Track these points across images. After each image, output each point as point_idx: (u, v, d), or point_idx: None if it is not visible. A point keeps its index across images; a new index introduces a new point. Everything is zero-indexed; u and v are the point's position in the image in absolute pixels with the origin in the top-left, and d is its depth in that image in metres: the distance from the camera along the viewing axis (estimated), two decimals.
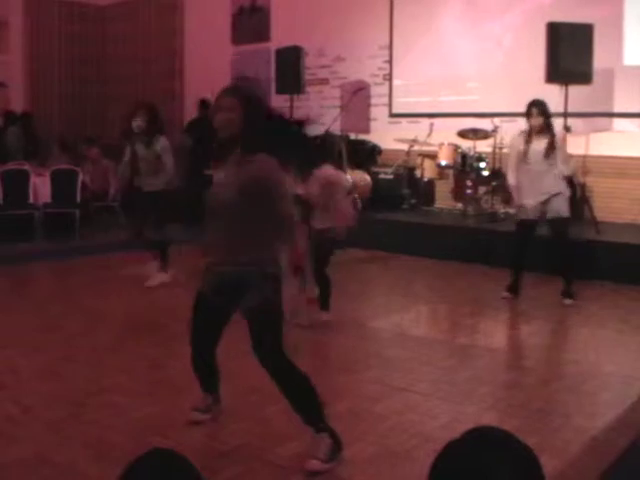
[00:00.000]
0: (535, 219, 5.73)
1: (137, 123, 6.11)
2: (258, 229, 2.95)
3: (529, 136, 5.66)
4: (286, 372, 2.95)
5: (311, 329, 4.82)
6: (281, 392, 2.97)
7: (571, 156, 5.88)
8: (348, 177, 5.14)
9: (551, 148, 5.58)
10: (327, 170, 5.02)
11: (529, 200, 5.69)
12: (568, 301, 5.71)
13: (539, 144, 5.62)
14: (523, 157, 5.67)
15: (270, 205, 2.92)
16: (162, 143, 6.11)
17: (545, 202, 5.65)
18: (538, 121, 5.62)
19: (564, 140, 5.75)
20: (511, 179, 5.86)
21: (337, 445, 2.92)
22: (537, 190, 5.64)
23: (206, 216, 3.08)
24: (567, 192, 5.75)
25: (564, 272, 5.80)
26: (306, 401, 2.98)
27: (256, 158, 2.92)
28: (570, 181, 7.45)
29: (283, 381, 2.96)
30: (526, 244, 5.79)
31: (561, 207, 5.66)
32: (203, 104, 10.17)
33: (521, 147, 5.70)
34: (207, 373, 3.28)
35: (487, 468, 1.15)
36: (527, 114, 5.67)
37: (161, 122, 6.30)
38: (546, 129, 5.63)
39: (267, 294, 2.92)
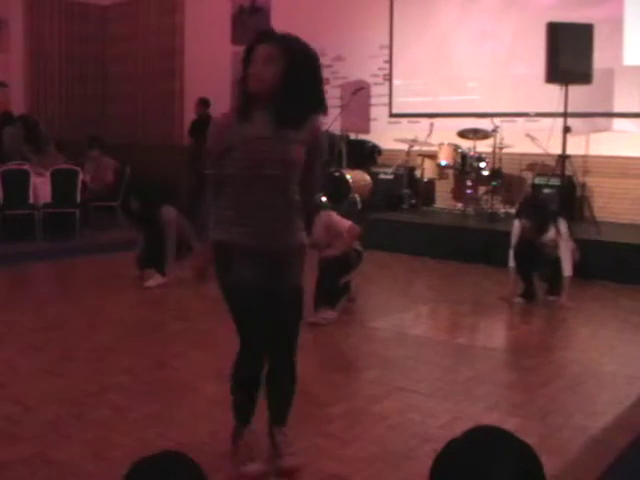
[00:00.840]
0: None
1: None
2: (296, 193, 2.71)
3: (523, 230, 5.63)
4: (295, 366, 2.86)
5: (311, 329, 4.83)
6: (280, 389, 2.87)
7: (575, 251, 5.71)
8: (346, 222, 5.30)
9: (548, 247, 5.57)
10: (330, 216, 5.30)
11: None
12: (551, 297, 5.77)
13: (539, 239, 5.61)
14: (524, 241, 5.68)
15: (316, 167, 2.76)
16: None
17: None
18: (527, 225, 5.58)
19: (568, 236, 5.61)
20: (511, 262, 5.76)
21: None
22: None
23: (236, 182, 2.65)
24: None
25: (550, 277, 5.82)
26: (292, 400, 2.91)
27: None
28: (570, 181, 7.49)
29: (292, 376, 2.86)
30: (527, 252, 5.75)
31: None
32: (203, 103, 10.19)
33: (518, 232, 5.68)
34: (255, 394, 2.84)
35: (488, 467, 1.15)
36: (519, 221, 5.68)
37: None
38: (539, 229, 5.55)
39: (301, 272, 2.79)
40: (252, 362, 2.79)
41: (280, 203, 2.68)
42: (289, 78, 2.53)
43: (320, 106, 2.69)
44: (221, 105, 11.27)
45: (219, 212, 2.73)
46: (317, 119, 2.73)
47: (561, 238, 5.54)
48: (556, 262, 5.59)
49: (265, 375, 2.84)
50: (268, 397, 2.89)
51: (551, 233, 5.57)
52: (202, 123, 9.86)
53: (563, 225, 5.59)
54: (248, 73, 2.59)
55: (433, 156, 8.34)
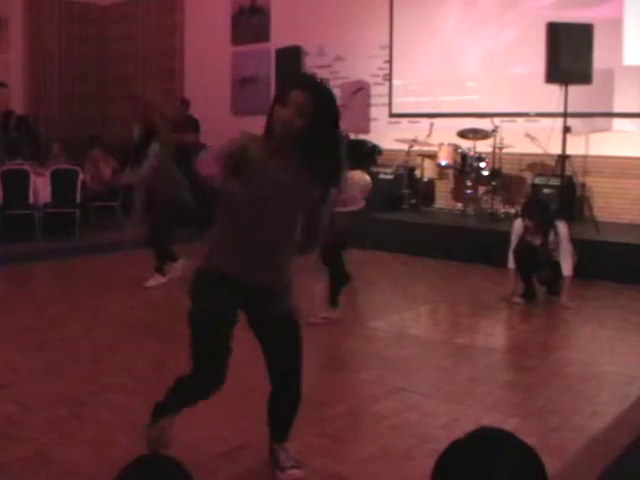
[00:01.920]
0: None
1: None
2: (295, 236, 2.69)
3: (526, 228, 5.63)
4: (300, 390, 2.82)
5: (312, 328, 4.83)
6: (283, 411, 2.84)
7: (574, 254, 5.67)
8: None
9: (545, 250, 5.55)
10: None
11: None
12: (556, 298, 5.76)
13: (536, 240, 5.61)
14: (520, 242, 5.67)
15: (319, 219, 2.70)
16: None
17: None
18: (530, 224, 5.57)
19: (568, 237, 5.59)
20: (511, 263, 5.76)
21: None
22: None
23: (237, 211, 2.60)
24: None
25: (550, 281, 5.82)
26: (294, 419, 2.86)
27: None
28: (570, 181, 7.49)
29: (296, 399, 2.82)
30: (528, 259, 5.75)
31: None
32: (184, 104, 10.23)
33: (520, 232, 5.69)
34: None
35: (491, 469, 1.15)
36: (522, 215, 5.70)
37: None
38: (540, 229, 5.56)
39: (290, 301, 2.74)
40: (205, 391, 2.69)
41: (275, 243, 2.65)
42: (312, 128, 2.53)
43: (334, 178, 2.66)
44: (222, 105, 11.31)
45: (211, 238, 2.71)
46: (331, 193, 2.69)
47: (560, 240, 5.54)
48: (554, 264, 5.59)
49: (269, 396, 2.83)
50: (270, 416, 2.86)
51: (541, 238, 5.57)
52: (183, 123, 9.96)
53: (563, 227, 5.59)
54: (278, 112, 2.54)
55: (433, 156, 8.34)
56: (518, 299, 5.77)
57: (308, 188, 2.58)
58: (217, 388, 2.67)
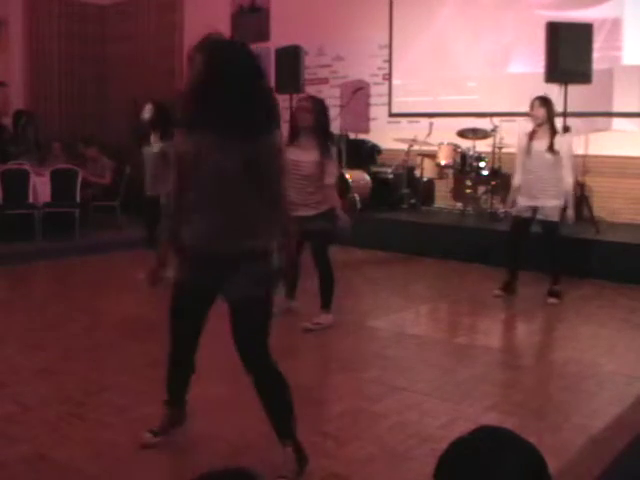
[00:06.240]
0: (528, 218, 5.72)
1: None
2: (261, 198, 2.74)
3: (532, 133, 5.63)
4: (269, 375, 2.78)
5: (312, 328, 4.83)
6: (259, 397, 2.80)
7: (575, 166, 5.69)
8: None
9: (551, 147, 5.54)
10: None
11: (522, 199, 5.70)
12: (552, 300, 5.71)
13: (541, 144, 5.59)
14: (526, 155, 5.64)
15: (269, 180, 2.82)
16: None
17: (535, 207, 5.65)
18: (540, 112, 5.55)
19: (570, 147, 5.62)
20: (515, 180, 5.79)
21: (303, 460, 2.81)
22: (531, 193, 5.64)
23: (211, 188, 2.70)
24: (562, 201, 5.59)
25: (551, 271, 5.80)
26: (284, 410, 2.81)
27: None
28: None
29: (271, 390, 2.80)
30: (519, 241, 5.78)
31: (552, 212, 5.61)
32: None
33: (524, 143, 5.68)
34: (183, 377, 3.04)
35: (494, 468, 1.15)
36: (530, 107, 5.65)
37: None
38: (548, 124, 5.57)
39: (259, 281, 2.70)
40: (177, 350, 3.00)
41: (235, 204, 2.68)
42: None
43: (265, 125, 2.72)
44: None
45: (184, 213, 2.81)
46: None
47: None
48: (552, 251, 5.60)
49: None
50: (264, 409, 2.84)
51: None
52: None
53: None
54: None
55: (433, 156, 8.34)
56: (498, 292, 5.78)
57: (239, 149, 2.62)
58: (177, 359, 3.00)
